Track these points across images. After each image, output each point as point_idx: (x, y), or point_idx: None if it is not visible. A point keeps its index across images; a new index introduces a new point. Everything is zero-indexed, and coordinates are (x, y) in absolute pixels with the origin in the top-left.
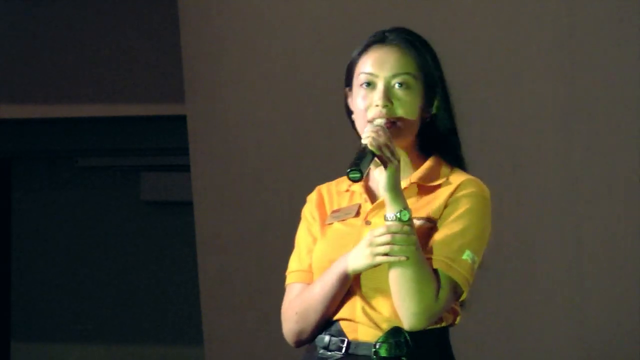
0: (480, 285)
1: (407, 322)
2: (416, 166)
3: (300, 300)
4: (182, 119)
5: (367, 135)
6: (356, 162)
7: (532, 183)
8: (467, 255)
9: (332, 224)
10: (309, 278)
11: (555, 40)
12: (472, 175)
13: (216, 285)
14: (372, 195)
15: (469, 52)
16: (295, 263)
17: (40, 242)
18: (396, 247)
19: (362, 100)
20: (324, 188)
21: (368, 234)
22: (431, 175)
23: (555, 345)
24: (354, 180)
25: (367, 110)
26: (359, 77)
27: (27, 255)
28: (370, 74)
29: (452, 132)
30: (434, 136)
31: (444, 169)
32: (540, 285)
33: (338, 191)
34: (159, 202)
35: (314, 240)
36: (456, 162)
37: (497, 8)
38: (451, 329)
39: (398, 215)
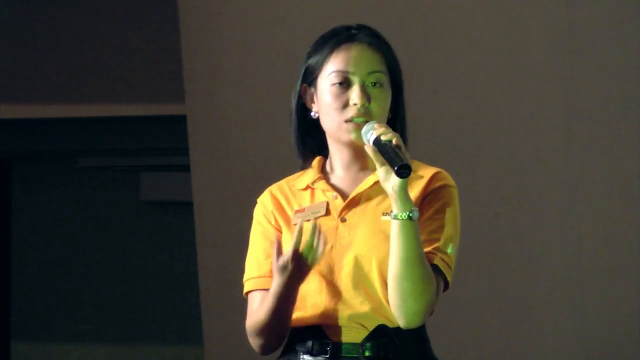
0: (480, 285)
1: (406, 320)
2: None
3: (262, 308)
4: (182, 119)
5: (385, 132)
6: (400, 159)
7: (532, 183)
8: (450, 249)
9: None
10: (269, 284)
11: (555, 40)
12: (471, 174)
13: (216, 285)
14: (340, 192)
15: (469, 52)
16: (253, 269)
17: (40, 242)
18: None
19: (335, 98)
20: (274, 189)
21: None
22: None
23: (555, 345)
24: (406, 177)
25: (341, 109)
26: (330, 76)
27: (27, 255)
28: (346, 71)
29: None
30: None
31: None
32: (541, 285)
33: (293, 190)
34: (159, 202)
35: (272, 244)
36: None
37: (497, 8)
38: (451, 330)
39: (409, 213)
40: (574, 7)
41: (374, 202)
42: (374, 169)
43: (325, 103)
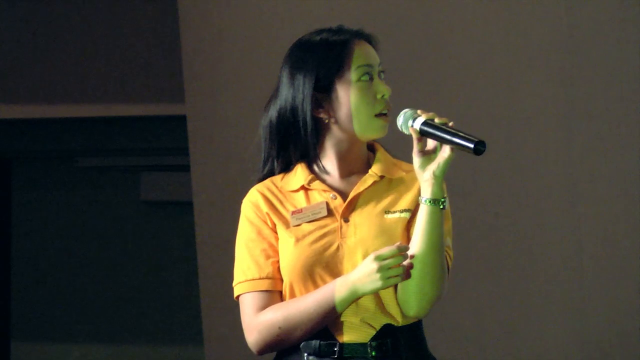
0: (480, 284)
1: (418, 308)
2: (367, 158)
3: (284, 314)
4: (182, 119)
5: (435, 115)
6: (473, 136)
7: (532, 183)
8: (449, 242)
9: (299, 225)
10: (272, 285)
11: (555, 40)
12: (471, 174)
13: (216, 285)
14: (338, 192)
15: (469, 52)
16: (251, 270)
17: (40, 242)
18: (405, 267)
19: (366, 93)
20: (262, 188)
21: (373, 259)
22: (388, 167)
23: (555, 344)
24: (482, 153)
25: (371, 103)
26: (358, 71)
27: (27, 255)
28: (370, 65)
29: None
30: None
31: (390, 158)
32: (541, 285)
33: (284, 191)
34: (159, 202)
35: (270, 245)
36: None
37: (497, 8)
38: (451, 330)
39: (444, 200)
40: (574, 7)
41: (373, 202)
42: (367, 171)
43: (354, 101)
